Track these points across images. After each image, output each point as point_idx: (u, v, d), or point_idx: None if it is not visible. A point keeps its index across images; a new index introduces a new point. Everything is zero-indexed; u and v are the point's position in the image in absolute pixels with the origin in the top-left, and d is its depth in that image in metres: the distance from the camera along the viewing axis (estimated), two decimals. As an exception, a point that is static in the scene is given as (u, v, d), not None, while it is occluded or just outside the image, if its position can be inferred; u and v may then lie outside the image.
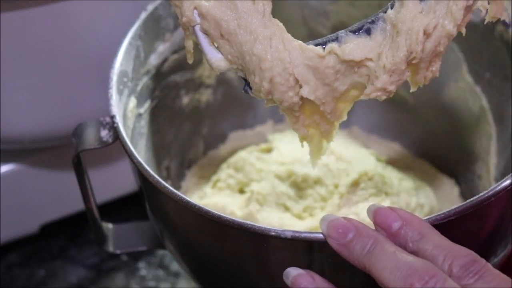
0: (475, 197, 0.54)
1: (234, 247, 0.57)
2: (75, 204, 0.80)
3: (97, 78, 0.71)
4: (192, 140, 0.80)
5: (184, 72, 0.75)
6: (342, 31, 0.55)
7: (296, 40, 0.54)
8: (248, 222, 0.54)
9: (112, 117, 0.62)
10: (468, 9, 0.53)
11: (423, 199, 0.72)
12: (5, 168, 0.78)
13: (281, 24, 0.54)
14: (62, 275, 0.82)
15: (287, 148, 0.75)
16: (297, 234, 0.53)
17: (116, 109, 0.62)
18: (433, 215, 0.53)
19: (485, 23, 0.54)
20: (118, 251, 0.70)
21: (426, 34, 0.52)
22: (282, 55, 0.53)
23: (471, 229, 0.56)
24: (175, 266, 0.81)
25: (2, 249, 0.83)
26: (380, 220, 0.52)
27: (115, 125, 0.61)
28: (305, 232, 0.54)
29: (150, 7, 0.69)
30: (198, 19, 0.54)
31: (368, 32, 0.54)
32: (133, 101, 0.67)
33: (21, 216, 0.81)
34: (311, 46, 0.54)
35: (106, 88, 0.63)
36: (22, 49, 0.69)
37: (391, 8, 0.54)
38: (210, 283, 0.65)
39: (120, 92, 0.64)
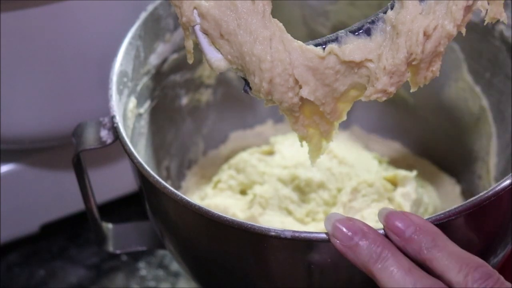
0: (475, 197, 0.54)
1: (234, 247, 0.57)
2: (75, 204, 0.80)
3: (97, 78, 0.71)
4: (192, 140, 0.80)
5: (184, 72, 0.75)
6: (342, 31, 0.55)
7: (296, 40, 0.54)
8: (248, 222, 0.54)
9: (112, 117, 0.62)
10: (468, 9, 0.53)
11: (426, 200, 0.72)
12: (5, 168, 0.78)
13: (281, 25, 0.54)
14: (62, 275, 0.82)
15: (290, 152, 0.75)
16: (297, 234, 0.53)
17: (116, 109, 0.62)
18: (433, 215, 0.53)
19: (484, 23, 0.54)
20: (118, 251, 0.70)
21: (426, 35, 0.52)
22: (282, 56, 0.53)
23: (471, 229, 0.56)
24: (175, 266, 0.81)
25: (2, 249, 0.83)
26: (393, 225, 0.51)
27: (115, 125, 0.61)
28: (305, 232, 0.53)
29: (150, 7, 0.69)
30: (198, 19, 0.54)
31: (368, 32, 0.54)
32: (133, 101, 0.67)
33: (21, 216, 0.81)
34: (311, 47, 0.54)
35: (106, 88, 0.63)
36: (22, 49, 0.69)
37: (391, 9, 0.54)
38: (210, 283, 0.65)
39: (120, 92, 0.64)
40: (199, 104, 0.78)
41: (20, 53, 0.69)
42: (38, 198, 0.80)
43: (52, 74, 0.71)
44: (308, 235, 0.53)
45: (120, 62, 0.65)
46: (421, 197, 0.70)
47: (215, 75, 0.78)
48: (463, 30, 0.53)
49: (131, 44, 0.67)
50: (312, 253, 0.54)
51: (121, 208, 0.84)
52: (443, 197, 0.76)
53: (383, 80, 0.53)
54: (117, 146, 0.61)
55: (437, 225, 0.52)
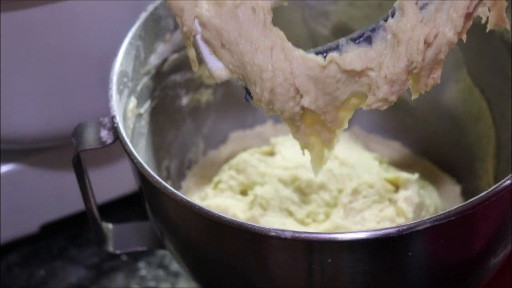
0: (475, 197, 0.54)
1: (234, 248, 0.57)
2: (75, 204, 0.80)
3: (97, 78, 0.71)
4: (192, 140, 0.80)
5: (184, 72, 0.75)
6: (343, 39, 0.54)
7: (297, 49, 0.54)
8: (248, 222, 0.54)
9: (112, 117, 0.62)
10: (468, 16, 0.53)
11: (428, 200, 0.72)
12: (5, 168, 0.78)
13: (282, 33, 0.54)
14: (62, 275, 0.82)
15: (291, 153, 0.75)
16: (297, 234, 0.53)
17: (116, 109, 0.62)
18: (433, 215, 0.53)
19: (487, 31, 0.54)
20: (118, 251, 0.70)
21: (427, 43, 0.52)
22: (283, 65, 0.53)
23: (471, 229, 0.56)
24: (175, 266, 0.81)
25: (2, 249, 0.83)
26: None
27: (115, 125, 0.61)
28: (305, 232, 0.54)
29: (150, 7, 0.69)
30: (199, 29, 0.54)
31: (369, 40, 0.54)
32: (133, 101, 0.67)
33: (21, 216, 0.81)
34: (312, 56, 0.54)
35: (106, 88, 0.63)
36: (22, 49, 0.69)
37: (392, 16, 0.54)
38: (210, 283, 0.65)
39: (120, 92, 0.64)
40: (199, 104, 0.78)
41: (20, 53, 0.69)
42: (38, 198, 0.80)
43: (52, 74, 0.71)
44: (308, 235, 0.53)
45: (120, 62, 0.65)
46: (423, 200, 0.71)
47: (215, 75, 0.78)
48: (464, 37, 0.53)
49: (131, 44, 0.67)
50: (312, 254, 0.54)
51: (121, 208, 0.84)
52: (443, 197, 0.76)
53: (384, 89, 0.53)
54: (117, 146, 0.61)
55: (437, 226, 0.52)
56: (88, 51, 0.71)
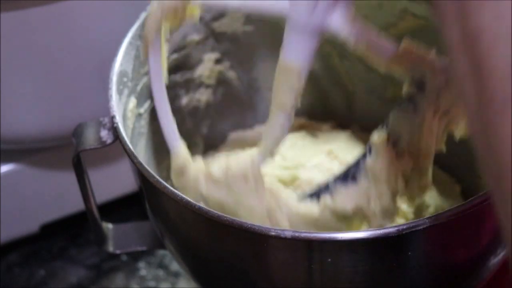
0: (475, 197, 0.54)
1: (234, 247, 0.57)
2: (75, 204, 0.80)
3: (97, 78, 0.71)
4: (192, 140, 0.80)
5: (184, 72, 0.75)
6: (331, 180, 0.58)
7: (291, 200, 0.59)
8: (248, 222, 0.54)
9: (112, 117, 0.62)
10: (440, 138, 0.55)
11: (428, 200, 0.72)
12: (5, 168, 0.78)
13: (274, 189, 0.59)
14: (62, 275, 0.82)
15: (291, 153, 0.75)
16: (297, 234, 0.53)
17: (116, 109, 0.62)
18: (433, 215, 0.53)
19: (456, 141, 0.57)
20: (118, 251, 0.70)
21: (405, 176, 0.55)
22: (281, 222, 0.58)
23: (471, 229, 0.56)
24: (175, 266, 0.81)
25: (2, 249, 0.83)
26: None
27: (115, 125, 0.61)
28: (305, 232, 0.54)
29: (150, 7, 0.69)
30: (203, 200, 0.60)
31: (354, 178, 0.57)
32: (133, 101, 0.67)
33: (21, 216, 0.81)
34: (306, 207, 0.58)
35: (106, 88, 0.63)
36: (21, 49, 0.69)
37: (369, 152, 0.56)
38: (210, 283, 0.65)
39: (120, 92, 0.64)
40: (199, 104, 0.78)
41: (20, 53, 0.69)
42: (38, 198, 0.80)
43: (52, 74, 0.71)
44: (308, 235, 0.53)
45: (120, 62, 0.65)
46: (423, 200, 0.71)
47: (215, 75, 0.78)
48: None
49: (131, 44, 0.67)
50: (312, 253, 0.54)
51: (121, 208, 0.84)
52: (443, 197, 0.76)
53: (377, 220, 0.57)
54: (117, 146, 0.61)
55: (437, 225, 0.52)
56: (88, 51, 0.71)
